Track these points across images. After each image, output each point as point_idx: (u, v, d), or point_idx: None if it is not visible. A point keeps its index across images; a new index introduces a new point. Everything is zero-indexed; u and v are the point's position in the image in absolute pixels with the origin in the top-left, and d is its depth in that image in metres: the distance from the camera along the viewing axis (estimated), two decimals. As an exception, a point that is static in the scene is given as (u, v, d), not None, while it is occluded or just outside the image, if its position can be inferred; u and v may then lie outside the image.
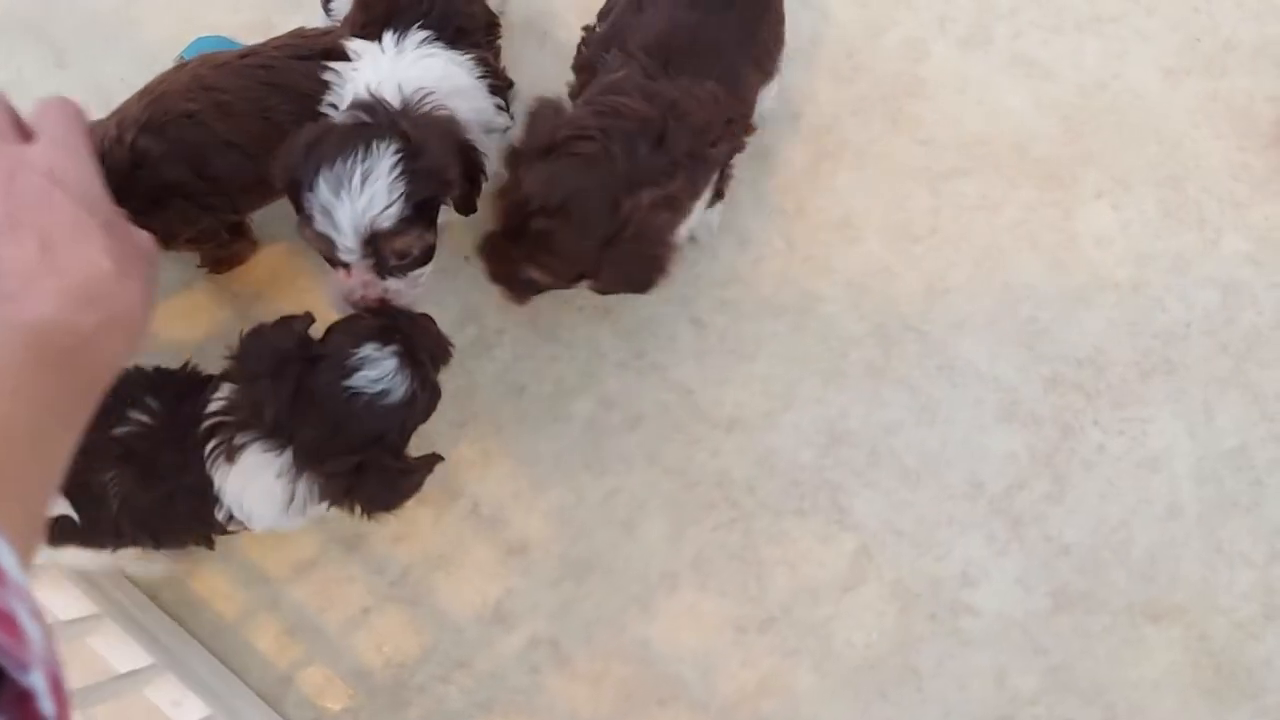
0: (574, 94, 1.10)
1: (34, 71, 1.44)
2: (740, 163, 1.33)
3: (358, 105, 0.96)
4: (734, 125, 1.07)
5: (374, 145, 0.89)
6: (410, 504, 1.26)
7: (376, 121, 0.93)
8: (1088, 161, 1.29)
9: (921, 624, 1.20)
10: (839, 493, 1.24)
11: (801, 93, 1.35)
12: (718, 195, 1.15)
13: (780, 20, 1.15)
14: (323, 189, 0.89)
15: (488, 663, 1.23)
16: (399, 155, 0.90)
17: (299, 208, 0.94)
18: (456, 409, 1.29)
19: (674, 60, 1.01)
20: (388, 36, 1.02)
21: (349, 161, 0.88)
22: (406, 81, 0.97)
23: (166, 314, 1.29)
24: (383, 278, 0.95)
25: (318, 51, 1.06)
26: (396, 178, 0.89)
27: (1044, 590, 1.19)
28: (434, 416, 1.29)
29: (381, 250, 0.92)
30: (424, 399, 0.98)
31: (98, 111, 1.41)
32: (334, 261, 0.95)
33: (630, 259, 0.97)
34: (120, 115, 1.10)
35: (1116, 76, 1.31)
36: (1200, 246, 1.26)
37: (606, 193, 0.94)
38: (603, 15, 1.15)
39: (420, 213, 0.93)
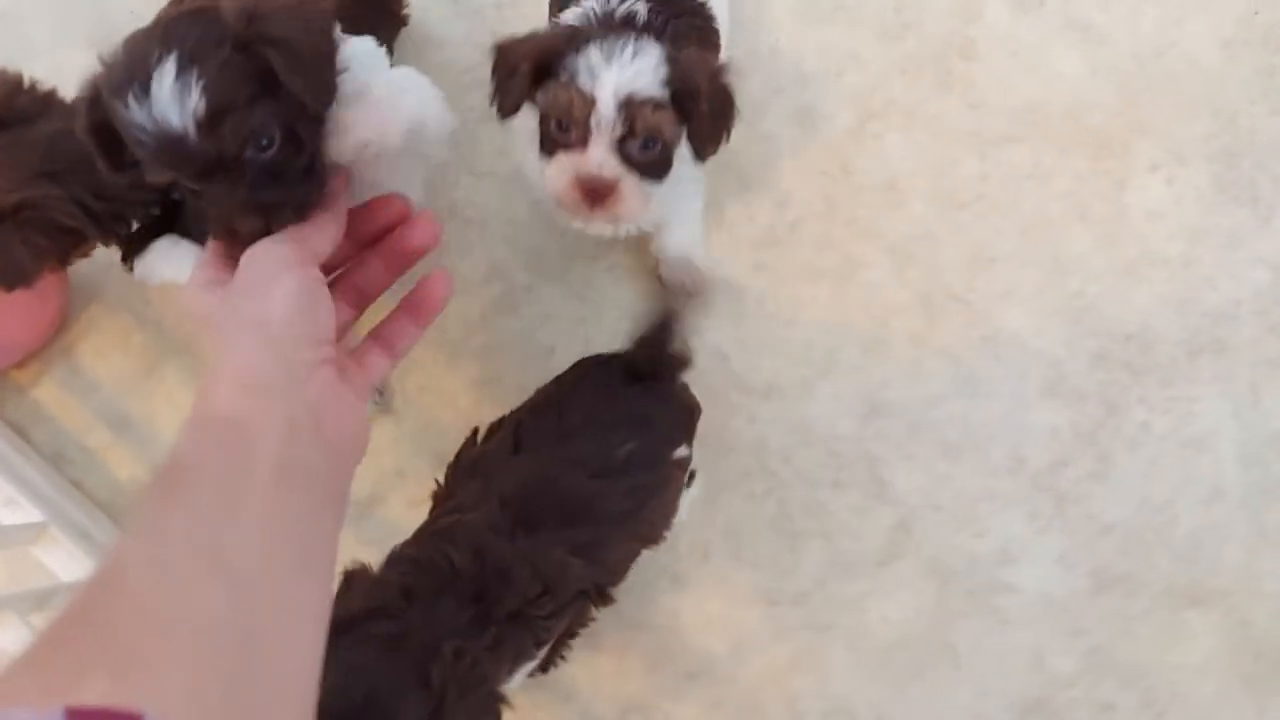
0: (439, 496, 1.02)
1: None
2: (779, 120, 1.29)
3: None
4: (586, 597, 0.95)
5: (644, 38, 0.93)
6: (424, 467, 1.22)
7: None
8: (1141, 132, 1.25)
9: (959, 601, 1.16)
10: (878, 465, 1.20)
11: (845, 50, 1.30)
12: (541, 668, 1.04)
13: (677, 493, 1.05)
14: (593, 52, 0.91)
15: (508, 631, 1.18)
16: (664, 53, 0.93)
17: (553, 73, 0.93)
18: (481, 367, 1.24)
19: (533, 516, 0.91)
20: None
21: (621, 39, 0.91)
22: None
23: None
24: (621, 160, 0.92)
25: None
26: (662, 62, 0.91)
27: (1085, 570, 1.16)
28: (457, 375, 1.25)
29: (634, 118, 0.90)
30: None
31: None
32: (567, 142, 0.93)
33: None
34: None
35: (1173, 45, 1.27)
36: (1253, 224, 1.23)
37: (414, 672, 0.79)
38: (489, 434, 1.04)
39: (674, 102, 0.92)
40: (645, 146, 0.92)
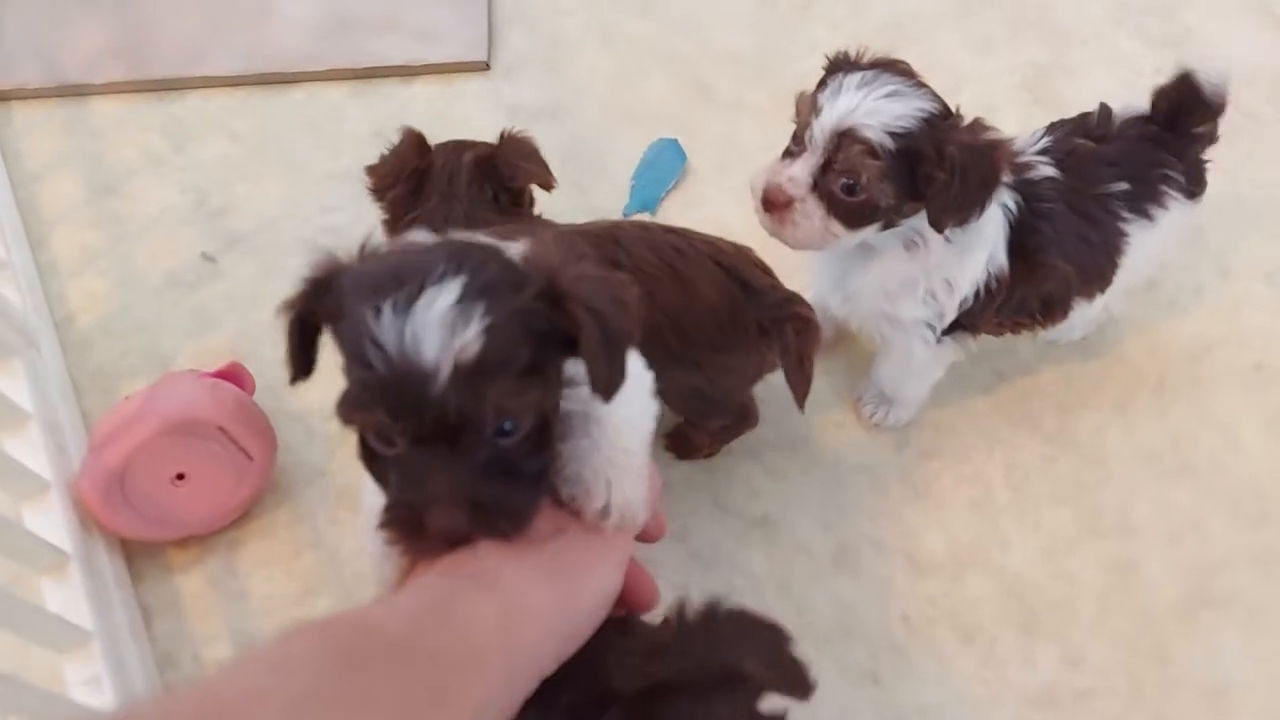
0: None
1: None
2: (1090, 563, 1.09)
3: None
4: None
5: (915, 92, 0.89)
6: None
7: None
8: None
9: None
10: None
11: (1188, 515, 1.11)
12: None
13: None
14: (830, 85, 0.89)
15: None
16: (924, 109, 0.88)
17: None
18: None
19: None
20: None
21: (883, 78, 0.88)
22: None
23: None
24: (814, 185, 0.90)
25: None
26: (912, 115, 0.87)
27: None
28: None
29: (839, 151, 0.88)
30: None
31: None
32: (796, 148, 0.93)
33: None
34: None
35: None
36: None
37: None
38: None
39: (895, 172, 0.87)
40: (847, 188, 0.89)
